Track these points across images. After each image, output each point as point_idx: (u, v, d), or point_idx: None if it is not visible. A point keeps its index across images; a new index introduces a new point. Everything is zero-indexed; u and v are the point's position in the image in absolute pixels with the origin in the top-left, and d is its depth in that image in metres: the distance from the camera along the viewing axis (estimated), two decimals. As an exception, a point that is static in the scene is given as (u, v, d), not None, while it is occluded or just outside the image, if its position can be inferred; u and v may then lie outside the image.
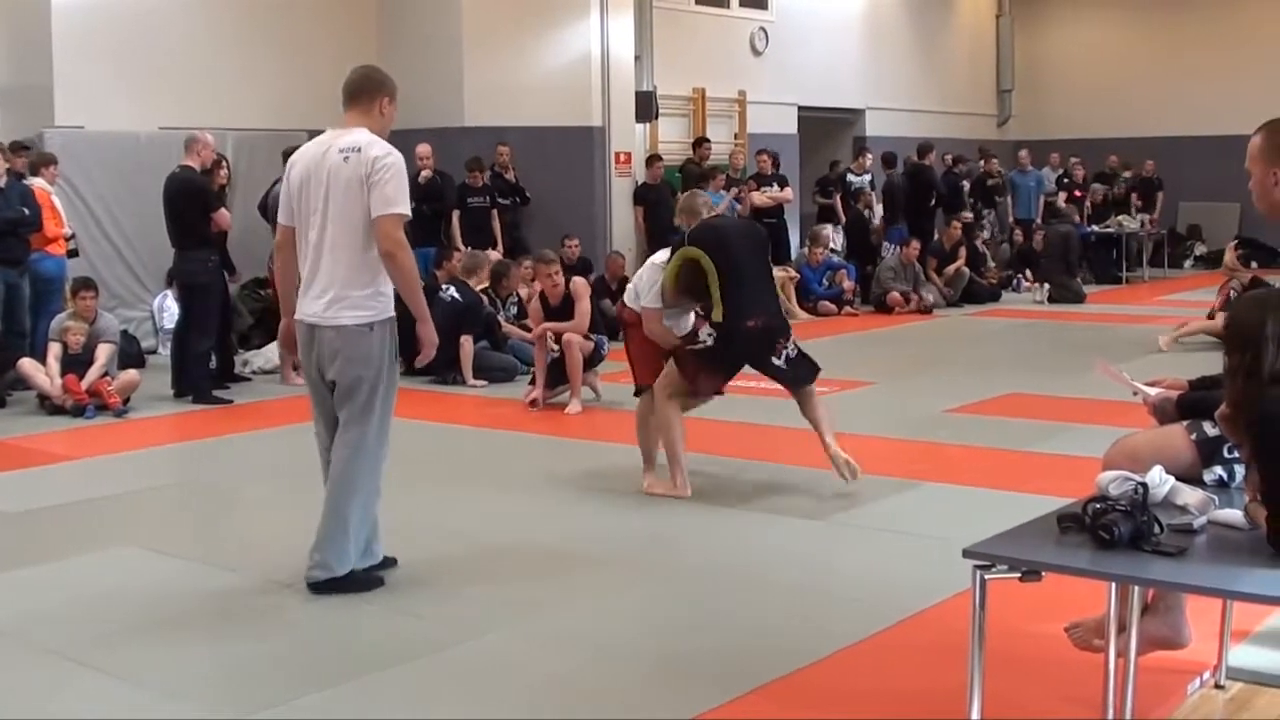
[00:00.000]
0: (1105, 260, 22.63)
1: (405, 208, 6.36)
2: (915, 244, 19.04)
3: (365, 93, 6.64)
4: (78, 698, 5.34)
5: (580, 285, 11.77)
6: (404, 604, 6.34)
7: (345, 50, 17.75)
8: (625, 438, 9.35)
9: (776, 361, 8.24)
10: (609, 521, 7.72)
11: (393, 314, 6.48)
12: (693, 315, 8.43)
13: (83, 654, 5.71)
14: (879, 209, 20.35)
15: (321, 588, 6.40)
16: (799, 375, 8.42)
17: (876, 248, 19.90)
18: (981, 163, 22.48)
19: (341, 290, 6.33)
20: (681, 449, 8.19)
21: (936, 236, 20.06)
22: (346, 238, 6.31)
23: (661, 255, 8.50)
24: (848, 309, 18.53)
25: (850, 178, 20.54)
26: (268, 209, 12.55)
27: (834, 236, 19.77)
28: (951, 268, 19.57)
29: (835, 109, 22.78)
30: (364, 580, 6.51)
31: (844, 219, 20.24)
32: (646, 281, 8.39)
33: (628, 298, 8.69)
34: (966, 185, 21.70)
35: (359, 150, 6.34)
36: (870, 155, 20.86)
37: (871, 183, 20.43)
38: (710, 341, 8.11)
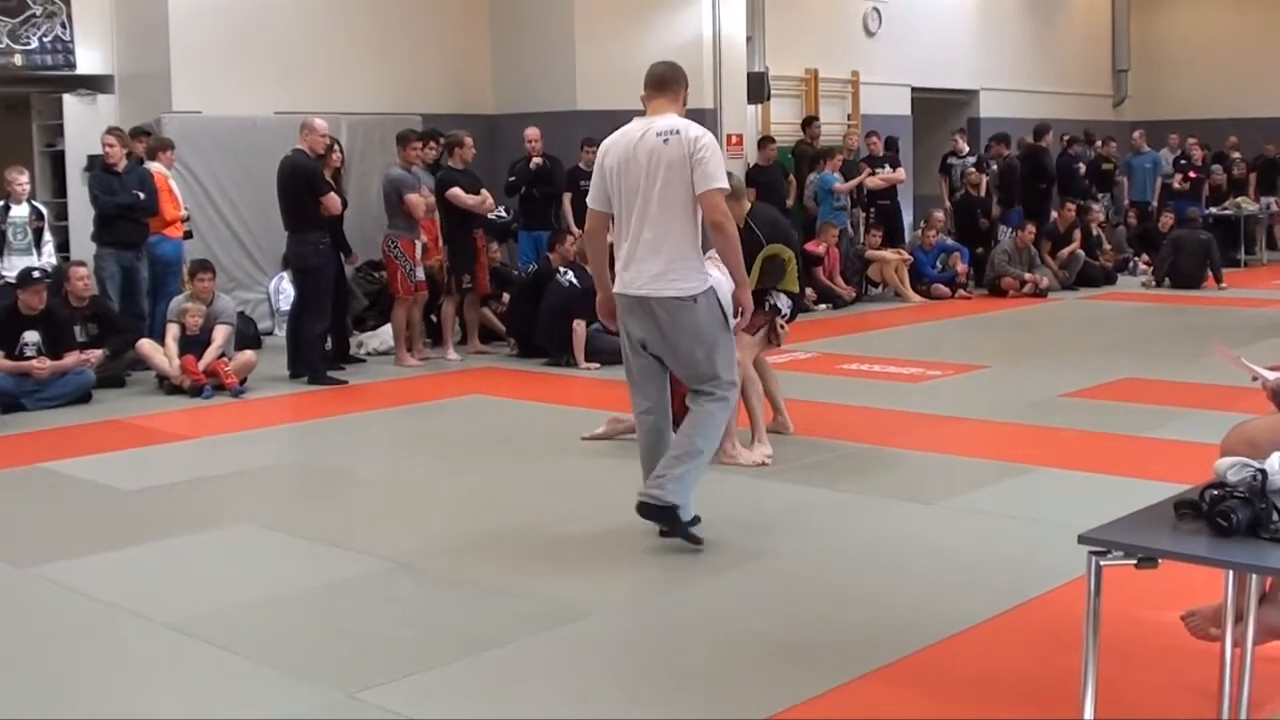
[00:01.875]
0: (1223, 243, 22.25)
1: (725, 182, 6.77)
2: (1031, 228, 18.84)
3: (673, 82, 7.05)
4: (191, 671, 5.43)
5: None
6: (518, 584, 6.37)
7: (459, 34, 17.94)
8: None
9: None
10: (719, 503, 7.70)
11: (711, 284, 6.85)
12: None
13: (197, 628, 5.79)
14: (993, 191, 20.12)
15: (651, 512, 6.74)
16: None
17: (987, 231, 19.64)
18: (1099, 144, 22.21)
19: (668, 264, 6.71)
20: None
21: (1051, 219, 19.83)
22: (672, 214, 6.71)
23: None
24: (961, 292, 18.38)
25: (951, 160, 20.34)
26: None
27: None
28: (1066, 251, 19.34)
29: (948, 90, 22.56)
30: (690, 532, 6.84)
31: (946, 203, 20.04)
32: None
33: None
34: (1082, 167, 21.43)
35: (678, 132, 6.74)
36: (963, 136, 20.64)
37: (979, 163, 20.18)
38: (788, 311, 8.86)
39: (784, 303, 8.79)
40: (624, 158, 6.82)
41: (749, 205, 8.81)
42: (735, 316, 7.04)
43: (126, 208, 12.72)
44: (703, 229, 6.78)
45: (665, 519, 6.78)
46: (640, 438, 7.10)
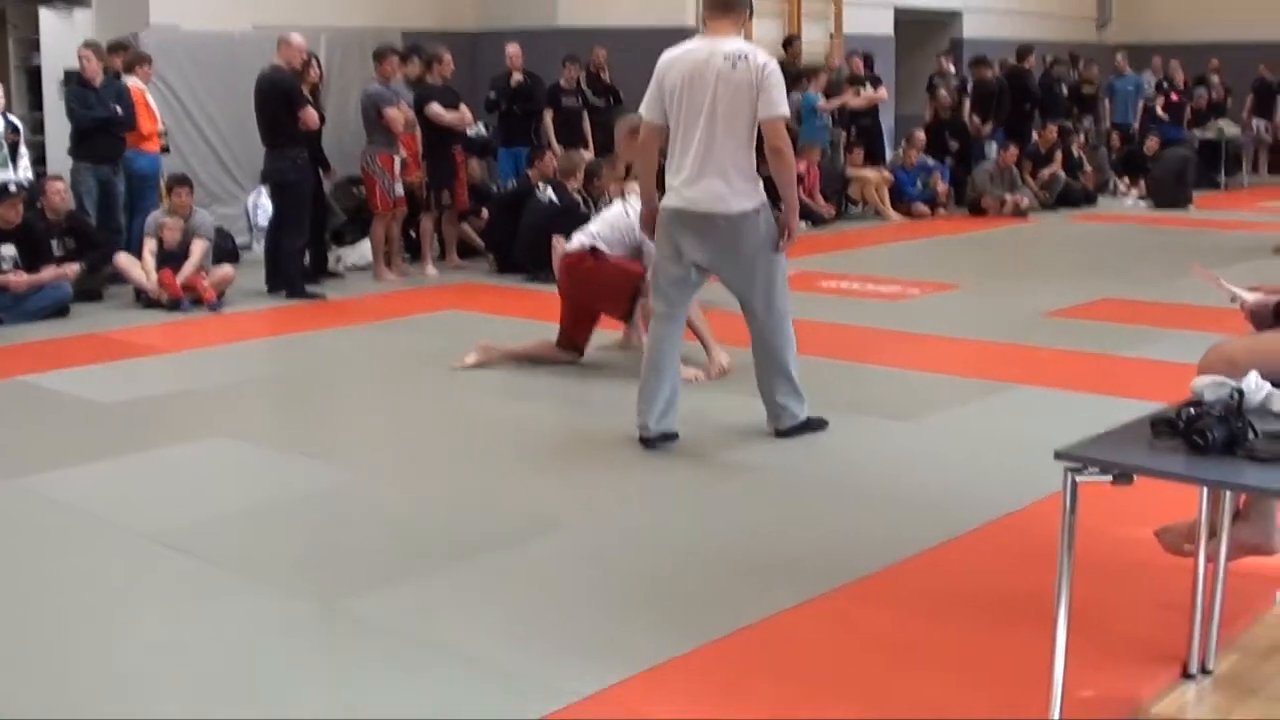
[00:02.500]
0: (1207, 166, 22.25)
1: (787, 110, 7.08)
2: (1014, 149, 18.81)
3: (736, 7, 7.15)
4: (168, 579, 5.46)
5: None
6: (488, 500, 6.40)
7: (437, -51, 17.77)
8: (729, 339, 9.38)
9: None
10: (692, 421, 7.71)
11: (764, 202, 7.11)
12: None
13: (175, 539, 5.82)
14: (974, 112, 20.07)
15: (791, 432, 7.27)
16: None
17: (959, 152, 19.58)
18: (1079, 69, 22.14)
19: (732, 181, 6.95)
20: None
21: (1033, 140, 19.80)
22: (735, 134, 6.92)
23: None
24: (941, 211, 18.37)
25: (936, 81, 20.24)
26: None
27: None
28: (1047, 171, 19.33)
29: (931, 10, 22.40)
30: (817, 422, 7.40)
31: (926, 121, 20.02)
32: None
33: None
34: (1064, 89, 21.37)
35: (745, 58, 6.91)
36: (948, 58, 20.56)
37: (949, 84, 20.13)
38: None
39: None
40: (689, 76, 6.95)
41: None
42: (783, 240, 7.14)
43: (103, 122, 12.62)
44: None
45: (803, 431, 7.31)
46: (649, 338, 7.34)
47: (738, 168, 6.95)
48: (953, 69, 20.49)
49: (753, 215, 6.99)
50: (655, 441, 7.13)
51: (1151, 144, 20.60)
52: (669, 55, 7.09)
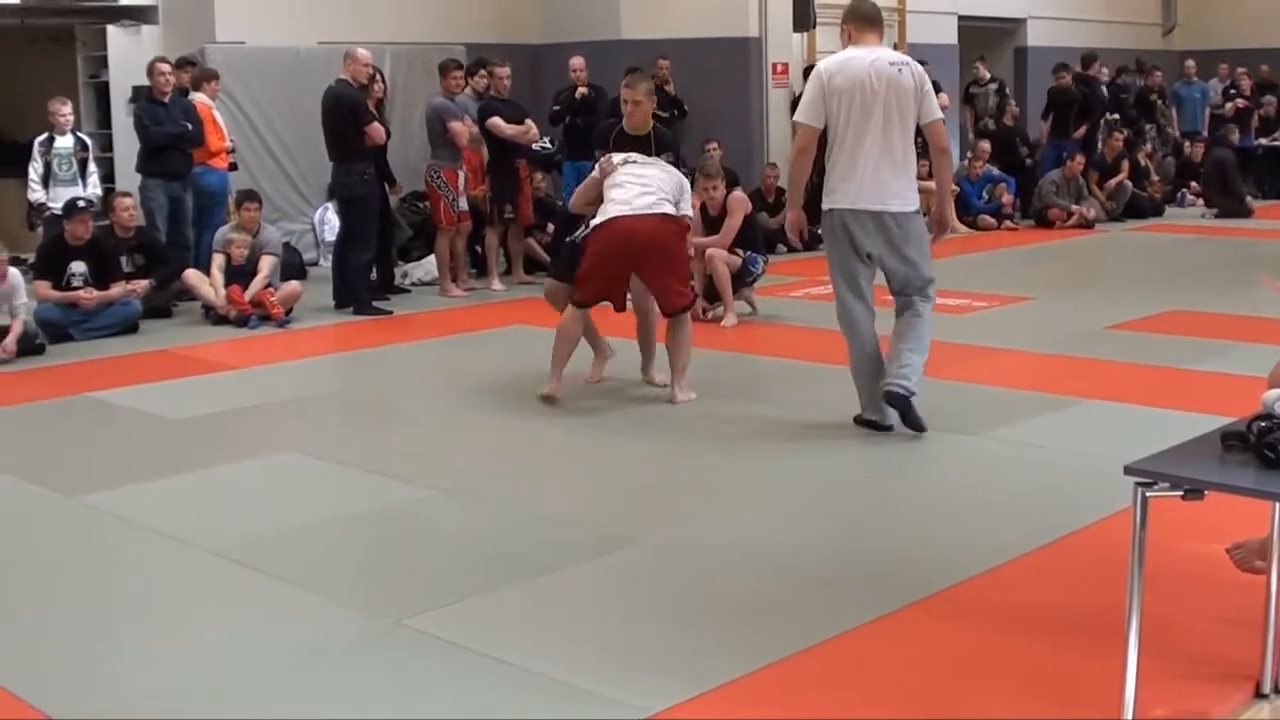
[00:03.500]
0: (1274, 174, 22.05)
1: (941, 113, 7.69)
2: (1080, 158, 18.69)
3: (880, 20, 7.79)
4: (237, 598, 5.49)
5: (736, 201, 11.68)
6: (557, 516, 6.40)
7: (502, -36, 17.83)
8: (778, 351, 9.39)
9: None
10: (757, 433, 7.71)
11: None
12: None
13: (241, 555, 5.85)
14: (1042, 123, 19.93)
15: (901, 401, 7.43)
16: None
17: (1026, 162, 19.47)
18: (1145, 78, 21.97)
19: (903, 182, 7.48)
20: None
21: (1099, 149, 19.65)
22: (906, 137, 7.45)
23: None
24: (1007, 223, 18.27)
25: (973, 89, 20.11)
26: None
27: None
28: (1113, 181, 19.18)
29: (996, 18, 22.32)
30: (919, 418, 7.55)
31: (970, 132, 19.86)
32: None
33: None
34: (1130, 98, 21.22)
35: (908, 64, 7.53)
36: (984, 64, 20.40)
37: (1000, 90, 20.02)
38: None
39: None
40: (857, 81, 7.37)
41: None
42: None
43: (176, 138, 12.75)
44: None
45: (908, 405, 7.43)
46: (863, 338, 7.63)
47: (908, 168, 7.48)
48: (988, 74, 20.29)
49: (916, 214, 7.56)
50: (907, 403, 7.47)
51: (1197, 150, 20.46)
52: (832, 63, 7.56)
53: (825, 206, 7.51)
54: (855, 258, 7.48)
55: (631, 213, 8.13)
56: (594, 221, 8.29)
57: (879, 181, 7.39)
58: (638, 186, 8.26)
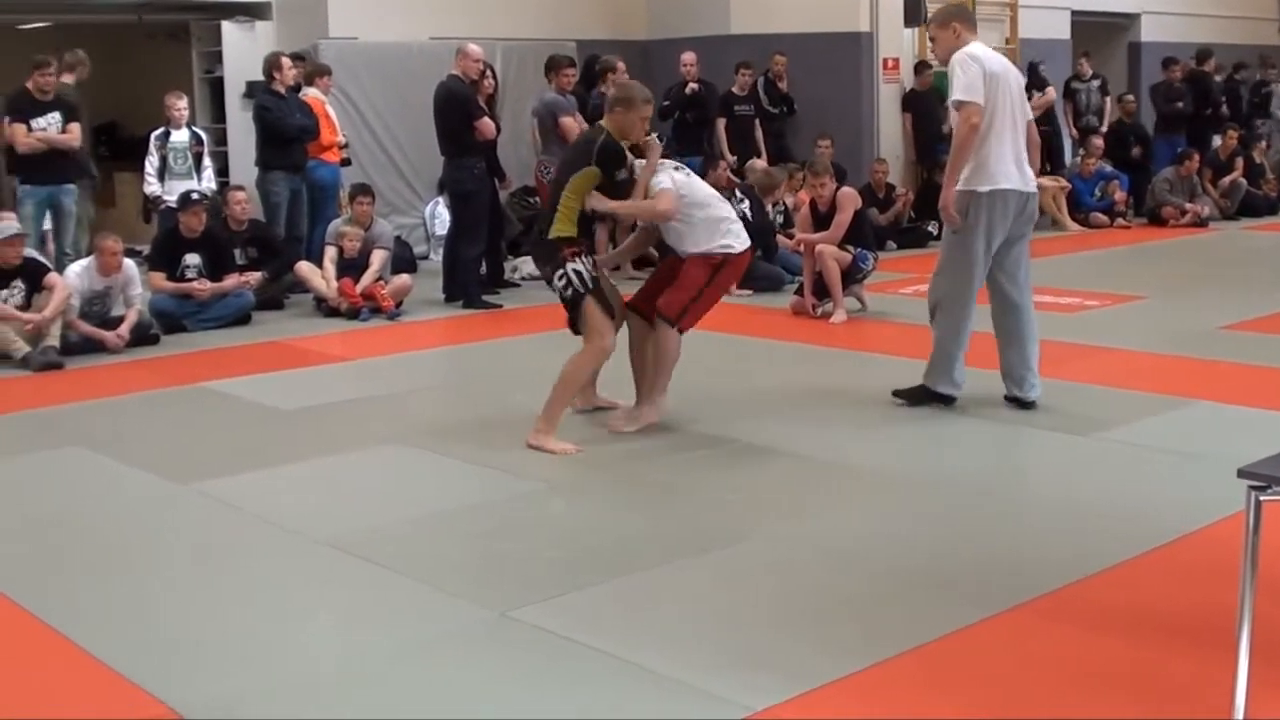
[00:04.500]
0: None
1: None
2: (1195, 156, 18.45)
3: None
4: (346, 587, 5.55)
5: (845, 196, 11.64)
6: (664, 511, 6.42)
7: (612, -40, 17.88)
8: (887, 348, 9.34)
9: (559, 295, 7.67)
10: (867, 431, 7.68)
11: None
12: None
13: (352, 545, 5.91)
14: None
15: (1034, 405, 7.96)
16: (570, 317, 7.75)
17: (1140, 159, 19.23)
18: (1265, 71, 21.66)
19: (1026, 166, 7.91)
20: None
21: (1213, 147, 19.39)
22: (1023, 127, 7.92)
23: None
24: (1120, 221, 18.08)
25: (1074, 85, 19.89)
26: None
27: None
28: (1228, 179, 18.93)
29: (1109, 13, 22.07)
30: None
31: (1072, 129, 19.64)
32: None
33: None
34: (1246, 94, 20.91)
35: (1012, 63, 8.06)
36: (1088, 60, 20.13)
37: (1103, 87, 19.80)
38: None
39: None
40: (1002, 70, 7.82)
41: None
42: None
43: (302, 130, 12.92)
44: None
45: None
46: (971, 317, 8.00)
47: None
48: (1090, 70, 20.05)
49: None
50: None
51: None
52: (978, 49, 7.82)
53: (984, 188, 7.72)
54: (994, 238, 7.77)
55: None
56: (720, 246, 7.76)
57: (1024, 165, 7.82)
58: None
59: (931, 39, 8.25)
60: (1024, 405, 7.98)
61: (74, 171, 12.51)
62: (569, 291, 7.47)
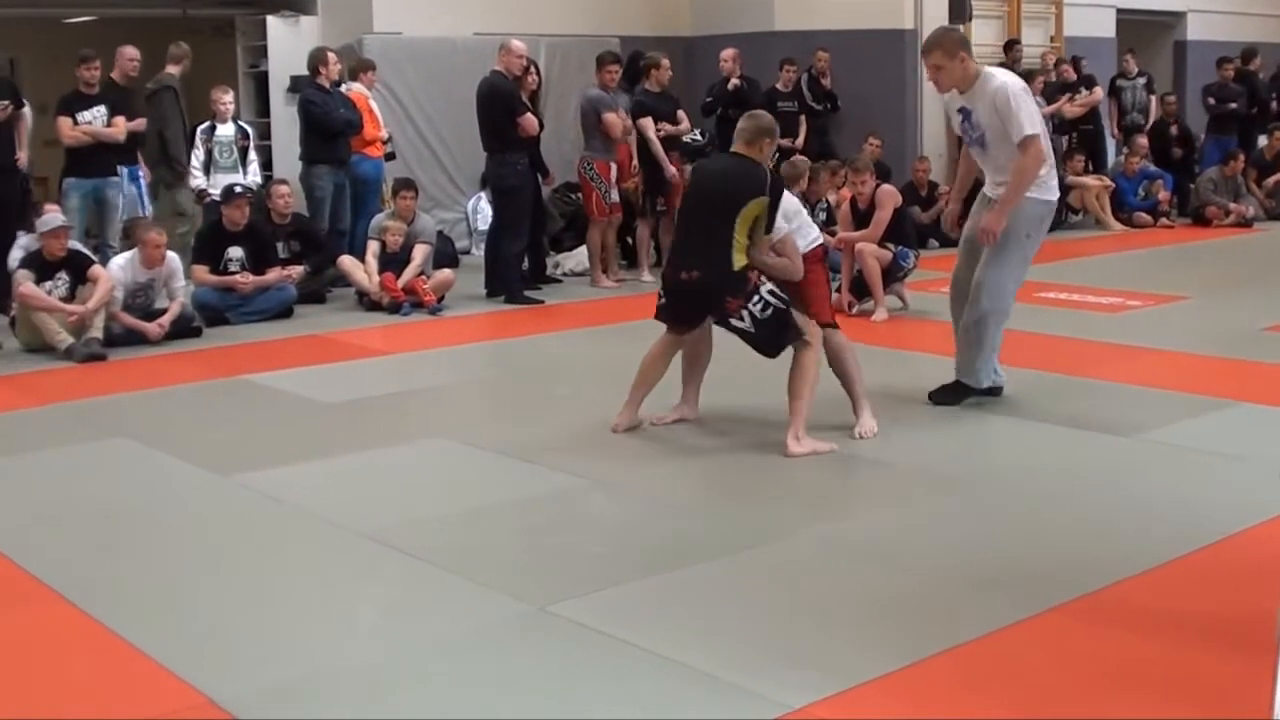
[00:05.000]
0: None
1: None
2: (1240, 156, 18.33)
3: None
4: (386, 580, 5.57)
5: (885, 194, 11.60)
6: (706, 508, 6.43)
7: (654, -43, 17.87)
8: (928, 347, 9.32)
9: (738, 324, 7.36)
10: (909, 430, 7.67)
11: None
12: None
13: (392, 538, 5.93)
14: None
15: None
16: (764, 341, 7.44)
17: (1182, 159, 19.14)
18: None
19: None
20: (643, 393, 7.85)
21: (1259, 146, 19.26)
22: None
23: None
24: (1164, 220, 17.99)
25: (1120, 82, 19.75)
26: None
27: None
28: (1272, 179, 18.79)
29: (1155, 11, 21.93)
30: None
31: (1115, 128, 19.54)
32: None
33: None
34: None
35: None
36: (1134, 57, 19.98)
37: (1148, 85, 19.70)
38: (663, 298, 7.70)
39: None
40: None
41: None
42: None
43: (348, 124, 12.97)
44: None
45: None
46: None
47: None
48: (1136, 69, 19.92)
49: None
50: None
51: None
52: (1008, 75, 7.98)
53: (1051, 196, 7.95)
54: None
55: None
56: (811, 241, 7.78)
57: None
58: None
59: (936, 67, 7.78)
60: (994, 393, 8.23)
61: (128, 161, 12.67)
62: (768, 312, 7.28)
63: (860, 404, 7.68)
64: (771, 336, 7.36)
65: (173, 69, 13.35)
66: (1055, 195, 8.00)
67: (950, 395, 8.15)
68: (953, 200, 8.73)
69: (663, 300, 7.64)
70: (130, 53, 12.88)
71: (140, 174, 12.85)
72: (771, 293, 7.33)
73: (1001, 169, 7.83)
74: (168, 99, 13.16)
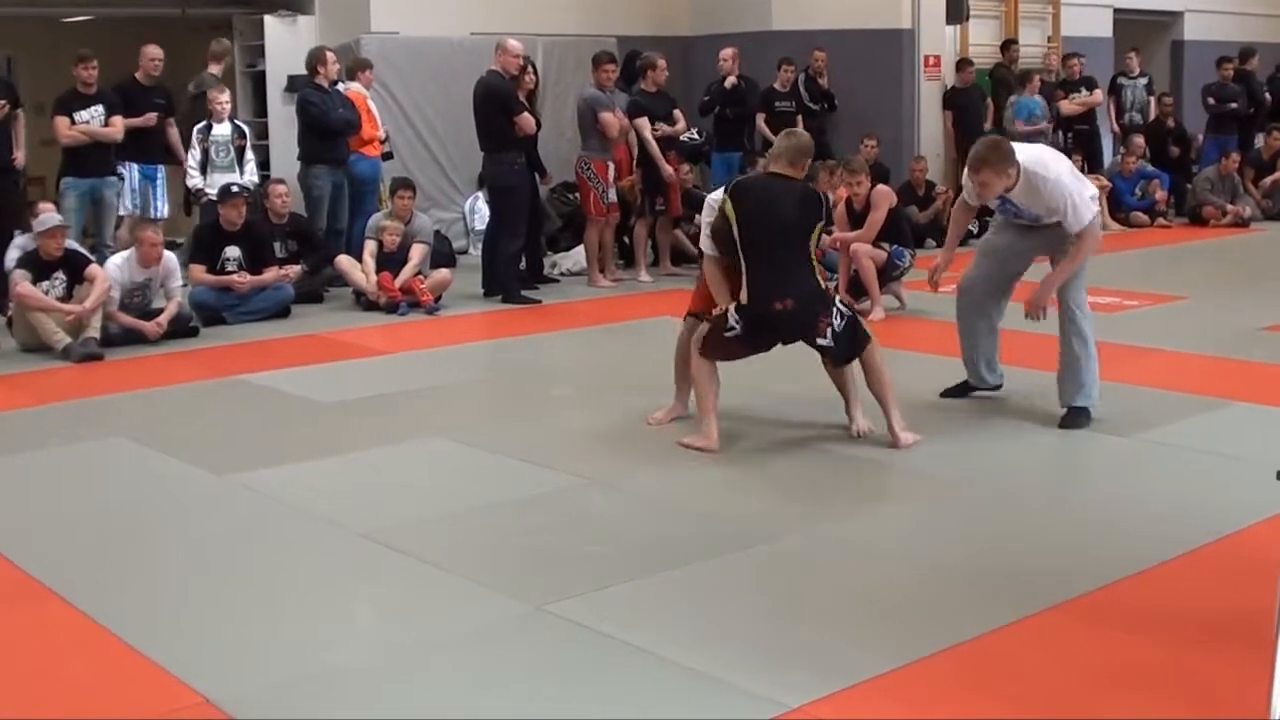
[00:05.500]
0: None
1: None
2: (1235, 155, 18.34)
3: None
4: (384, 579, 5.58)
5: (879, 194, 11.60)
6: (702, 508, 6.42)
7: (652, -43, 17.86)
8: (924, 346, 9.33)
9: (823, 341, 7.40)
10: (909, 430, 7.68)
11: None
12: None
13: (390, 538, 5.93)
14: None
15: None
16: (844, 351, 7.49)
17: (1179, 159, 19.16)
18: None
19: None
20: (714, 403, 7.51)
21: (1256, 146, 19.27)
22: None
23: (719, 195, 7.79)
24: (1160, 220, 17.99)
25: (1121, 80, 19.74)
26: None
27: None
28: (1270, 179, 18.78)
29: (1152, 11, 21.92)
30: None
31: (1115, 125, 19.54)
32: (704, 220, 7.90)
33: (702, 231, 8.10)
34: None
35: None
36: (1137, 55, 19.96)
37: (1149, 85, 19.71)
38: (738, 329, 7.38)
39: (733, 318, 7.46)
40: None
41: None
42: None
43: (346, 123, 12.97)
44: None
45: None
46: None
47: None
48: (1138, 68, 19.91)
49: None
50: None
51: None
52: (1036, 156, 7.58)
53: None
54: None
55: None
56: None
57: None
58: None
59: (983, 184, 7.45)
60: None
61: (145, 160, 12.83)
62: (844, 321, 7.35)
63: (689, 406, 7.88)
64: (849, 344, 7.42)
65: (215, 68, 13.40)
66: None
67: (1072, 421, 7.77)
68: (945, 250, 8.38)
69: (735, 332, 7.41)
70: (153, 52, 12.96)
71: (158, 174, 12.92)
72: (843, 302, 7.50)
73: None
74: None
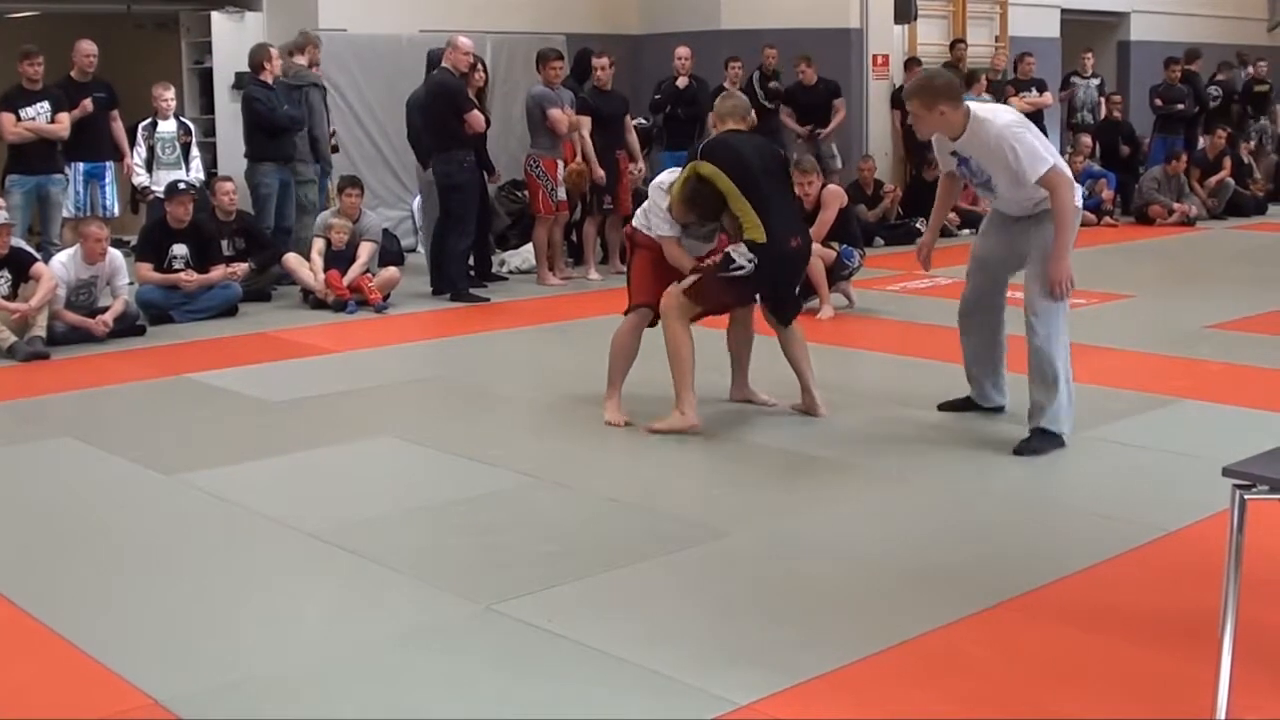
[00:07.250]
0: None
1: None
2: (1184, 155, 18.47)
3: None
4: (332, 579, 5.55)
5: (830, 194, 11.61)
6: (650, 506, 6.42)
7: (602, -47, 17.87)
8: (872, 344, 9.35)
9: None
10: (852, 427, 7.69)
11: None
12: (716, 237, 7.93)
13: (338, 537, 5.92)
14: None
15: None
16: (799, 303, 7.85)
17: (1130, 158, 19.32)
18: (1249, 69, 21.63)
19: None
20: (693, 375, 7.57)
21: (1200, 146, 19.42)
22: None
23: (666, 177, 7.88)
24: (1107, 219, 18.10)
25: (1074, 79, 19.86)
26: None
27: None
28: (1215, 179, 18.95)
29: (1099, 11, 22.07)
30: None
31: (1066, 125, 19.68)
32: (654, 206, 7.86)
33: (637, 222, 8.12)
34: (1235, 92, 20.93)
35: None
36: (1091, 56, 20.14)
37: (1100, 86, 19.85)
38: (750, 266, 7.42)
39: (744, 257, 7.50)
40: None
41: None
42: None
43: (293, 120, 12.91)
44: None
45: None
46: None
47: None
48: (1091, 69, 20.04)
49: None
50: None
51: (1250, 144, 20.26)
52: (989, 109, 7.27)
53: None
54: None
55: None
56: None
57: None
58: None
59: (915, 116, 7.18)
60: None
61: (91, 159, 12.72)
62: None
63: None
64: (803, 295, 7.82)
65: (300, 59, 13.30)
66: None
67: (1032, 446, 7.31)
68: (929, 231, 8.21)
69: (743, 271, 7.44)
70: (86, 48, 12.88)
71: (106, 171, 12.86)
72: None
73: (1019, 202, 7.34)
74: (315, 96, 13.31)
